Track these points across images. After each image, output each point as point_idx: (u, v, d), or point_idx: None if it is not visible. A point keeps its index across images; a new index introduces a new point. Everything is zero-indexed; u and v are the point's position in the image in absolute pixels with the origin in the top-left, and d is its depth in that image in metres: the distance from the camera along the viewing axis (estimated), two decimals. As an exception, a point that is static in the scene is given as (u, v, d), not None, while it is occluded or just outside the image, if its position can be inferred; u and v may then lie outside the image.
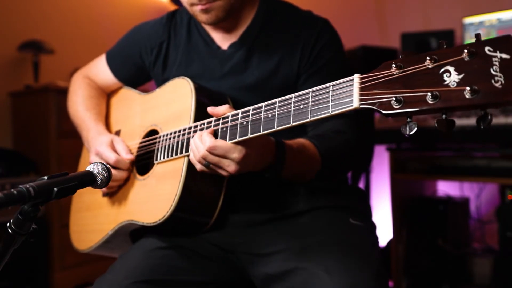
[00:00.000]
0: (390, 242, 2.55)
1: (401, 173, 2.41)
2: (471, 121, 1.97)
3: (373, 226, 1.18)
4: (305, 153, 1.04)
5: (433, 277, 2.39)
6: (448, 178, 2.45)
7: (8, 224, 0.71)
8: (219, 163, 0.92)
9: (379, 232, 1.17)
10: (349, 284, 0.90)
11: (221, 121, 0.95)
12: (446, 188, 2.75)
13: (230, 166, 0.91)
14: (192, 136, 1.01)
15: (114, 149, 1.20)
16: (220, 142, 0.90)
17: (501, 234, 2.12)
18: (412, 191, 2.60)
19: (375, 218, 1.22)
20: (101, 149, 1.19)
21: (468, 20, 2.45)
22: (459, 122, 1.99)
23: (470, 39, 2.41)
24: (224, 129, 0.93)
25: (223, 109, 0.96)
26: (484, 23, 2.40)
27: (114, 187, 1.22)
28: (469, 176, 2.23)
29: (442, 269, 2.37)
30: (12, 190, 0.67)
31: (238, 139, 0.89)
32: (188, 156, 1.04)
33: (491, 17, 2.38)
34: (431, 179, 2.63)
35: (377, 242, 1.14)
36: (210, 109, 0.97)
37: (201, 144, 0.93)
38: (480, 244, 2.59)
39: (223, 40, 1.23)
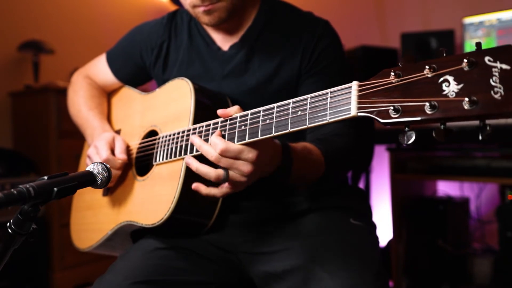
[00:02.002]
0: (390, 242, 2.55)
1: (401, 173, 2.41)
2: (471, 121, 1.97)
3: (373, 226, 1.18)
4: (310, 156, 1.02)
5: (433, 277, 2.39)
6: (448, 178, 2.45)
7: (8, 224, 0.71)
8: (233, 165, 0.87)
9: (379, 232, 1.17)
10: (349, 284, 0.90)
11: (219, 125, 0.94)
12: (446, 188, 2.75)
13: (244, 166, 0.87)
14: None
15: (112, 147, 1.20)
16: (231, 144, 0.86)
17: (501, 234, 2.12)
18: (412, 191, 2.60)
19: (375, 218, 1.22)
20: (99, 144, 1.19)
21: (468, 20, 2.45)
22: (459, 122, 1.99)
23: (470, 39, 2.42)
24: (223, 133, 0.92)
25: (235, 110, 0.92)
26: (484, 23, 2.40)
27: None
28: (469, 176, 2.23)
29: (442, 269, 2.37)
30: (12, 190, 0.67)
31: (236, 143, 0.89)
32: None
33: (491, 17, 2.38)
34: (431, 179, 2.63)
35: (377, 242, 1.14)
36: (220, 112, 0.92)
37: (211, 149, 0.88)
38: (480, 244, 2.59)
39: (223, 41, 1.23)
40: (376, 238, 1.15)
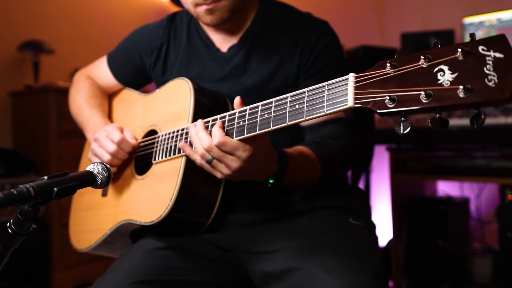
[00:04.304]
0: (390, 242, 2.55)
1: (401, 173, 2.41)
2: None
3: (373, 226, 1.18)
4: (306, 161, 1.03)
5: (433, 277, 2.39)
6: (448, 178, 2.45)
7: (8, 224, 0.71)
8: (223, 158, 0.90)
9: (379, 232, 1.17)
10: (349, 284, 0.90)
11: (218, 120, 0.95)
12: (446, 188, 2.75)
13: (234, 163, 0.90)
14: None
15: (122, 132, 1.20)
16: (229, 139, 0.89)
17: (501, 234, 2.12)
18: (412, 191, 2.60)
19: (375, 218, 1.22)
20: (109, 128, 1.19)
21: (468, 20, 2.45)
22: (459, 122, 1.99)
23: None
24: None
25: (237, 101, 0.94)
26: (484, 23, 2.40)
27: (115, 166, 1.21)
28: (469, 176, 2.23)
29: (442, 269, 2.37)
30: (12, 190, 0.67)
31: (234, 139, 0.89)
32: (186, 156, 1.04)
33: (491, 17, 2.38)
34: (431, 179, 2.63)
35: (377, 242, 1.14)
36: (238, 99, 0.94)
37: (207, 137, 0.91)
38: (480, 244, 2.59)
39: (222, 42, 1.23)
40: (376, 238, 1.15)
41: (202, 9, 1.11)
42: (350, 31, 3.01)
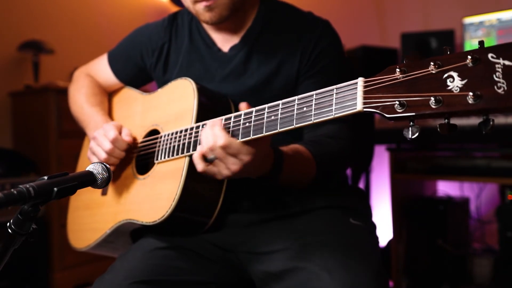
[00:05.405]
0: (390, 242, 2.55)
1: (401, 173, 2.41)
2: (471, 121, 1.97)
3: (373, 226, 1.18)
4: (301, 160, 1.04)
5: (433, 277, 2.39)
6: (448, 178, 2.46)
7: (8, 224, 0.71)
8: (224, 159, 0.89)
9: (379, 232, 1.17)
10: (349, 284, 0.91)
11: (224, 122, 0.94)
12: (446, 188, 2.75)
13: (234, 165, 0.89)
14: (199, 133, 0.99)
15: (120, 131, 1.20)
16: (233, 141, 0.88)
17: (501, 234, 2.12)
18: (412, 191, 2.60)
19: (375, 218, 1.22)
20: (106, 127, 1.19)
21: (468, 20, 2.45)
22: (459, 122, 1.99)
23: (470, 39, 2.42)
24: (227, 130, 0.93)
25: (244, 106, 0.94)
26: (484, 23, 2.40)
27: (112, 165, 1.20)
28: (469, 176, 2.23)
29: (442, 269, 2.37)
30: (12, 190, 0.67)
31: (240, 140, 0.89)
32: (189, 156, 1.05)
33: (491, 17, 2.38)
34: (431, 179, 2.64)
35: (377, 242, 1.14)
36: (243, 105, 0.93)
37: (212, 137, 0.90)
38: (480, 244, 2.59)
39: (224, 42, 1.23)
40: (376, 238, 1.15)
41: (201, 6, 1.11)
42: (350, 31, 3.01)
